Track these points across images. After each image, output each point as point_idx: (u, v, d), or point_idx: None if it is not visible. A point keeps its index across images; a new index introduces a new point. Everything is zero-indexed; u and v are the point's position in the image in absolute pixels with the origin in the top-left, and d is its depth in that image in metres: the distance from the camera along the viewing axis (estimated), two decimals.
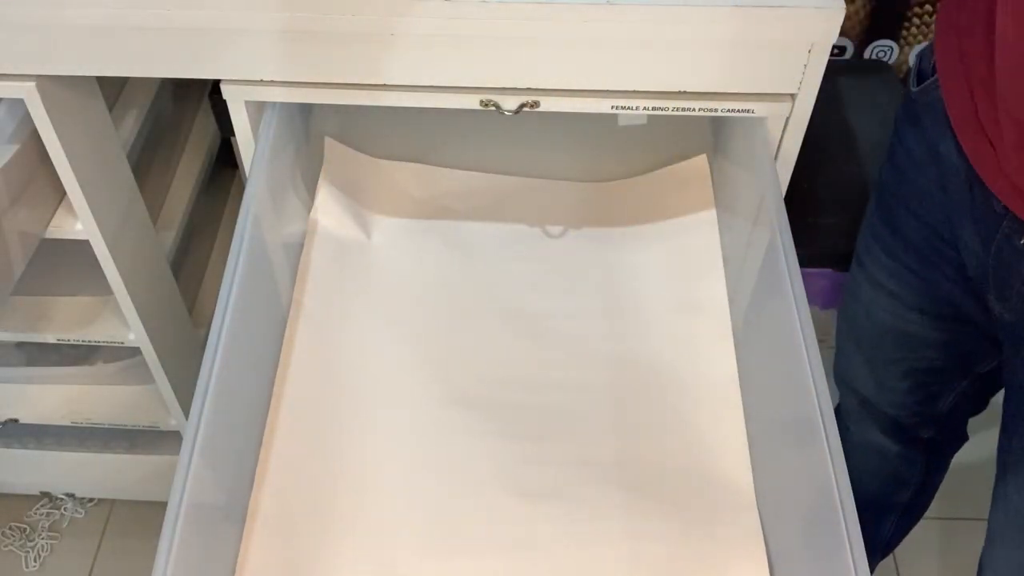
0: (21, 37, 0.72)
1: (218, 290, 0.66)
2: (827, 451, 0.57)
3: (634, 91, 0.72)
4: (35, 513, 1.35)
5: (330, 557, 0.67)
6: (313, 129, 0.90)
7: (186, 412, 1.03)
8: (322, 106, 0.88)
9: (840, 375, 0.98)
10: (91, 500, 1.37)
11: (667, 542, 0.67)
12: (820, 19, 0.67)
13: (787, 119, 0.74)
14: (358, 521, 0.69)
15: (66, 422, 1.16)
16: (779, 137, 0.76)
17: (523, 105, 0.74)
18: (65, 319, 1.03)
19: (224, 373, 0.62)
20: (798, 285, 0.65)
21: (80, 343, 1.04)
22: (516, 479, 0.71)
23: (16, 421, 1.16)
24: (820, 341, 0.63)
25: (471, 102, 0.74)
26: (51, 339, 1.03)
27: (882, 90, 1.23)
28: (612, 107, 0.74)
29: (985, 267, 0.72)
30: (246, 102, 0.76)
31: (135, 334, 1.01)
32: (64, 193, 0.86)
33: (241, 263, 0.68)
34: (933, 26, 1.27)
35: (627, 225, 0.89)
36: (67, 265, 1.04)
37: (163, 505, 0.56)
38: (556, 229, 0.89)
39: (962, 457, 1.04)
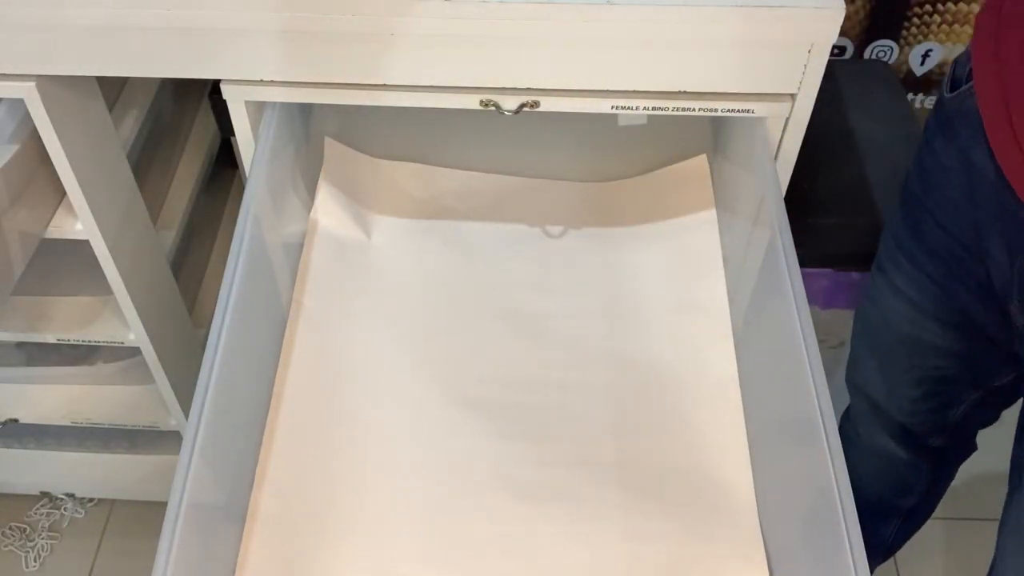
0: (21, 37, 0.72)
1: (218, 290, 0.66)
2: (827, 451, 0.57)
3: (634, 91, 0.72)
4: (35, 513, 1.35)
5: (330, 557, 0.67)
6: (313, 129, 0.90)
7: (186, 412, 1.03)
8: (322, 106, 0.88)
9: (852, 379, 0.97)
10: (91, 500, 1.37)
11: (667, 542, 0.67)
12: (820, 19, 0.67)
13: (787, 119, 0.74)
14: (358, 521, 0.69)
15: (66, 422, 1.16)
16: (779, 137, 0.76)
17: (523, 105, 0.74)
18: (65, 319, 1.03)
19: (224, 373, 0.62)
20: (798, 285, 0.65)
21: (80, 343, 1.04)
22: (516, 479, 0.71)
23: (16, 421, 1.15)
24: (820, 341, 0.63)
25: (471, 102, 0.74)
26: (51, 339, 1.03)
27: (882, 90, 1.23)
28: (612, 107, 0.74)
29: (1010, 277, 0.71)
30: (246, 102, 0.76)
31: (135, 334, 1.01)
32: (64, 193, 0.86)
33: (241, 263, 0.68)
34: (933, 26, 1.28)
35: (627, 225, 0.89)
36: (67, 265, 1.04)
37: (163, 505, 0.56)
38: (556, 229, 0.89)
39: None
